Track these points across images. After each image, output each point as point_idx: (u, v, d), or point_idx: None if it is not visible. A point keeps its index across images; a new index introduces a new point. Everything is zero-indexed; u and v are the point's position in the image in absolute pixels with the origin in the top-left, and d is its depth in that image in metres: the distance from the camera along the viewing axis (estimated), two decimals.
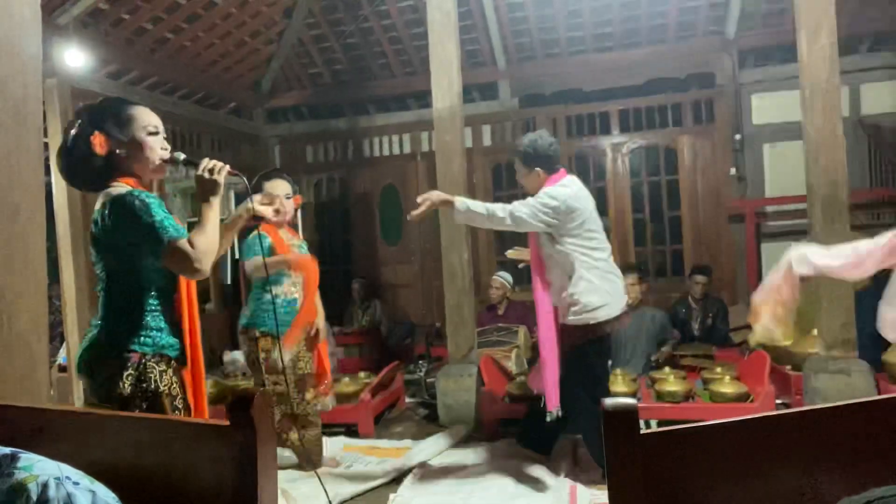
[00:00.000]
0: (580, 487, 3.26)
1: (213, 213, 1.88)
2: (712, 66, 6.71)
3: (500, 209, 3.10)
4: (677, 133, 6.84)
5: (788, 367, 4.48)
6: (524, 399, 4.20)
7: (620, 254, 6.99)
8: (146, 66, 6.07)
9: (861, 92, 6.31)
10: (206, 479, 1.00)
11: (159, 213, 1.79)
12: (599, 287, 3.10)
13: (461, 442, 4.06)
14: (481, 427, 4.24)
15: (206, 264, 1.81)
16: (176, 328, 1.91)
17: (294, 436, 3.39)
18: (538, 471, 3.45)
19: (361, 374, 4.87)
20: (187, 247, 1.78)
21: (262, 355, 3.24)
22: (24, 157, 1.42)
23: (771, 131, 6.51)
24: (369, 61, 7.44)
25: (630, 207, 7.02)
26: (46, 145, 1.82)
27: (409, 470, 3.59)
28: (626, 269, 5.13)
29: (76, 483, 0.82)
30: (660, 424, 3.93)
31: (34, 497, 0.78)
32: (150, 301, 1.86)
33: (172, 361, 1.88)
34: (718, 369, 4.40)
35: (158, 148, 1.94)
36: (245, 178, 2.18)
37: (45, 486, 0.79)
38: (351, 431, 4.37)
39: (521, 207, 3.09)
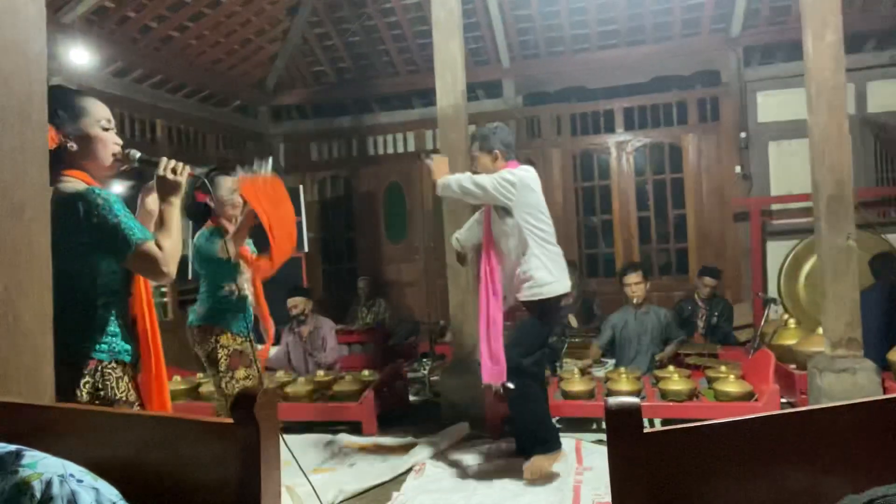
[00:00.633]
0: (583, 486, 3.26)
1: (176, 213, 1.82)
2: (717, 64, 6.69)
3: (464, 178, 3.33)
4: (682, 131, 6.83)
5: (793, 365, 4.47)
6: None
7: (624, 252, 6.98)
8: (151, 63, 6.08)
9: (867, 90, 6.28)
10: (210, 477, 1.00)
11: (122, 212, 1.71)
12: (549, 265, 3.31)
13: (464, 440, 4.06)
14: (484, 425, 4.23)
15: (173, 267, 1.75)
16: (131, 332, 1.85)
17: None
18: None
19: (365, 372, 4.87)
20: (155, 249, 1.72)
21: (223, 353, 3.11)
22: (29, 155, 1.43)
23: (776, 129, 6.48)
24: (373, 59, 7.44)
25: (634, 206, 7.01)
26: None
27: (412, 468, 3.60)
28: (630, 267, 5.12)
29: (80, 480, 0.82)
30: (664, 423, 3.93)
31: (38, 494, 0.78)
32: (105, 305, 1.77)
33: (127, 367, 1.81)
34: (723, 368, 4.39)
35: (111, 144, 1.83)
36: (203, 177, 2.19)
37: (49, 483, 0.79)
38: (354, 429, 4.38)
39: (482, 176, 3.33)
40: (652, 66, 6.79)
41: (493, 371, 3.33)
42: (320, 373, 4.89)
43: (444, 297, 4.74)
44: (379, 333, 6.65)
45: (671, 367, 4.47)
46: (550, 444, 3.37)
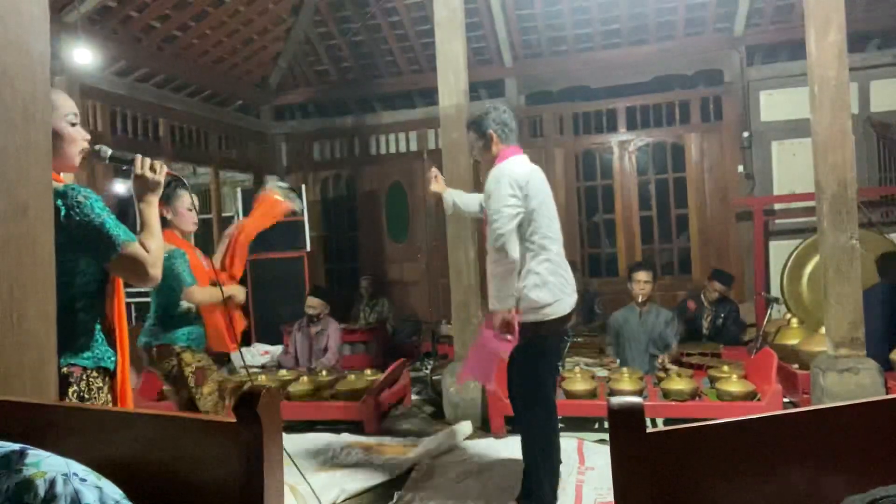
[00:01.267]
0: (585, 486, 3.26)
1: (156, 213, 1.77)
2: (720, 63, 6.68)
3: (496, 237, 2.77)
4: (685, 130, 6.82)
5: (796, 365, 4.46)
6: None
7: (627, 251, 6.98)
8: (154, 63, 6.09)
9: (870, 89, 6.27)
10: (213, 476, 1.00)
11: (105, 212, 1.64)
12: (549, 281, 2.84)
13: (467, 439, 4.06)
14: (487, 424, 4.23)
15: (159, 269, 1.69)
16: (111, 337, 1.78)
17: None
18: None
19: (368, 372, 4.88)
20: (142, 251, 1.65)
21: (188, 370, 2.95)
22: (33, 154, 1.43)
23: (779, 128, 6.48)
24: (376, 59, 7.44)
25: (637, 205, 7.00)
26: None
27: (414, 467, 3.60)
28: (638, 266, 5.10)
29: (83, 479, 0.83)
30: (666, 423, 3.92)
31: (41, 493, 0.78)
32: (85, 308, 1.69)
33: (108, 375, 1.75)
34: (725, 368, 4.39)
35: (80, 140, 1.73)
36: (182, 178, 2.16)
37: (52, 482, 0.79)
38: (357, 428, 4.38)
39: (493, 233, 2.79)
40: (655, 65, 6.79)
41: (470, 375, 3.13)
42: (323, 372, 4.90)
43: (447, 297, 4.74)
44: (381, 333, 6.66)
45: (674, 367, 4.47)
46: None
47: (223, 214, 7.17)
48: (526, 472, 3.03)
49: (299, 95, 7.93)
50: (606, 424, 0.98)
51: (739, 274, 6.60)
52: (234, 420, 0.98)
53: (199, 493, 1.01)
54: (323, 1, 6.92)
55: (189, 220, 3.05)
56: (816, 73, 3.88)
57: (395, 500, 3.22)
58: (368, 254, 7.90)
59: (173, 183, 2.95)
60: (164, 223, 2.88)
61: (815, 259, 5.16)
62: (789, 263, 5.87)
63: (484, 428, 4.23)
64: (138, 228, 1.76)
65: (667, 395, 4.07)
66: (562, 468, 3.46)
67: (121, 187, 6.17)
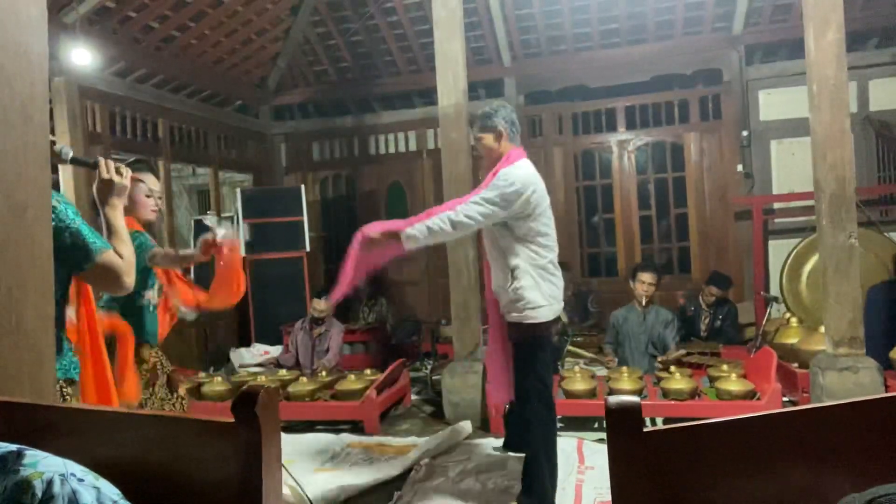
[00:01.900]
0: (585, 485, 3.26)
1: (122, 217, 1.73)
2: (719, 63, 6.68)
3: (441, 222, 2.79)
4: (684, 130, 6.82)
5: (795, 364, 4.47)
6: None
7: (626, 251, 6.98)
8: (153, 63, 6.09)
9: (869, 88, 6.27)
10: (211, 476, 1.00)
11: (79, 218, 1.58)
12: (542, 285, 2.90)
13: (467, 439, 4.06)
14: (487, 424, 4.23)
15: (132, 278, 1.64)
16: (72, 346, 1.73)
17: None
18: None
19: (367, 372, 4.88)
20: (117, 260, 1.60)
21: (146, 367, 2.75)
22: (32, 155, 1.43)
23: (778, 127, 6.48)
24: (375, 59, 7.44)
25: (636, 205, 7.00)
26: (54, 143, 1.68)
27: (414, 467, 3.60)
28: (644, 267, 5.08)
29: (81, 480, 0.82)
30: (666, 422, 3.92)
31: (39, 494, 0.78)
32: (56, 319, 1.61)
33: (75, 384, 1.70)
34: (725, 367, 4.39)
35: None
36: (144, 160, 2.04)
37: (49, 482, 0.79)
38: (357, 428, 4.38)
39: (469, 208, 2.81)
40: (653, 64, 6.79)
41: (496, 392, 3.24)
42: (323, 372, 4.90)
43: (447, 297, 4.74)
44: (381, 333, 6.66)
45: (673, 367, 4.47)
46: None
47: (223, 215, 7.16)
48: (526, 468, 3.05)
49: (298, 95, 7.93)
50: (605, 424, 0.98)
51: (739, 273, 6.61)
52: (232, 420, 0.98)
53: (198, 493, 1.01)
54: (322, 1, 6.91)
55: (147, 207, 2.77)
56: (815, 72, 3.88)
57: (394, 500, 3.22)
58: None
59: (134, 167, 2.68)
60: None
61: (815, 258, 5.17)
62: (788, 262, 5.87)
63: (484, 428, 4.23)
64: (105, 234, 1.70)
65: (666, 394, 4.07)
66: (561, 468, 3.46)
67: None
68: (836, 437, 1.00)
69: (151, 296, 2.80)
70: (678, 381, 4.11)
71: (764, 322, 5.25)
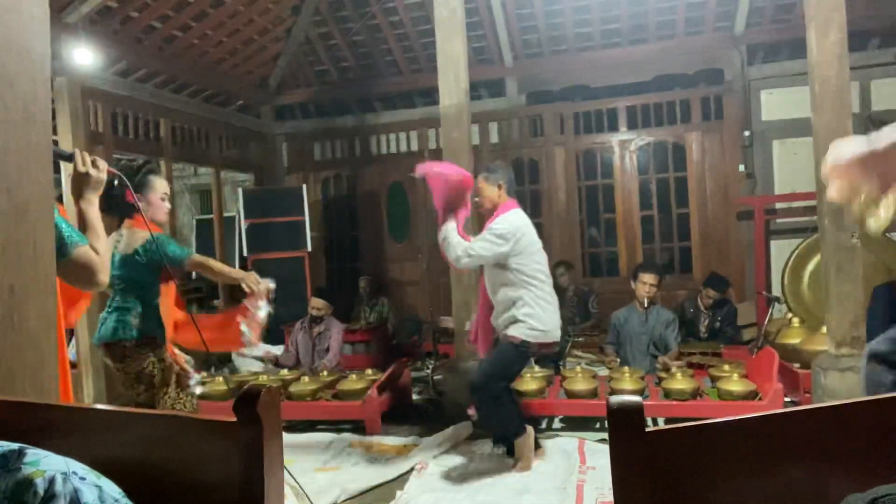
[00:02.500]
0: (587, 485, 3.26)
1: (97, 212, 1.69)
2: (721, 63, 6.67)
3: (459, 248, 3.41)
4: (685, 130, 6.82)
5: (797, 364, 4.46)
6: (530, 395, 4.20)
7: (628, 251, 6.97)
8: (154, 63, 6.09)
9: (871, 88, 6.26)
10: (213, 476, 1.00)
11: (55, 212, 1.55)
12: (541, 314, 3.40)
13: (468, 439, 4.06)
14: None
15: (107, 275, 1.61)
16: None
17: None
18: (544, 467, 3.45)
19: (368, 371, 4.88)
20: (93, 255, 1.58)
21: (159, 367, 2.73)
22: (34, 155, 1.43)
23: (780, 128, 6.47)
24: (376, 59, 7.44)
25: (638, 205, 7.00)
26: (56, 143, 1.63)
27: (415, 467, 3.60)
28: (645, 267, 5.07)
29: (83, 478, 0.82)
30: (667, 422, 3.92)
31: (41, 492, 0.78)
32: None
33: None
34: (726, 367, 4.39)
35: None
36: (122, 175, 1.98)
37: (51, 481, 0.79)
38: (358, 428, 4.38)
39: (474, 247, 3.39)
40: (655, 64, 6.78)
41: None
42: (324, 372, 4.90)
43: (447, 297, 4.74)
44: (382, 333, 6.66)
45: (675, 367, 4.47)
46: (519, 432, 3.52)
47: (224, 214, 7.17)
48: (493, 433, 3.77)
49: (300, 95, 7.93)
50: (607, 424, 0.98)
51: (740, 273, 6.60)
52: (234, 420, 0.98)
53: (199, 492, 1.01)
54: (323, 1, 6.92)
55: (163, 209, 2.80)
56: (817, 72, 3.88)
57: (395, 500, 3.22)
58: (369, 254, 7.90)
59: (144, 170, 2.72)
60: (136, 211, 2.62)
61: (817, 258, 5.15)
62: (790, 262, 5.86)
63: (483, 428, 4.22)
64: (78, 229, 1.66)
65: (668, 394, 4.07)
66: (563, 468, 3.47)
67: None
68: (838, 437, 1.00)
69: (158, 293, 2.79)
70: (680, 381, 4.11)
71: (765, 322, 5.25)
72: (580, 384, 4.22)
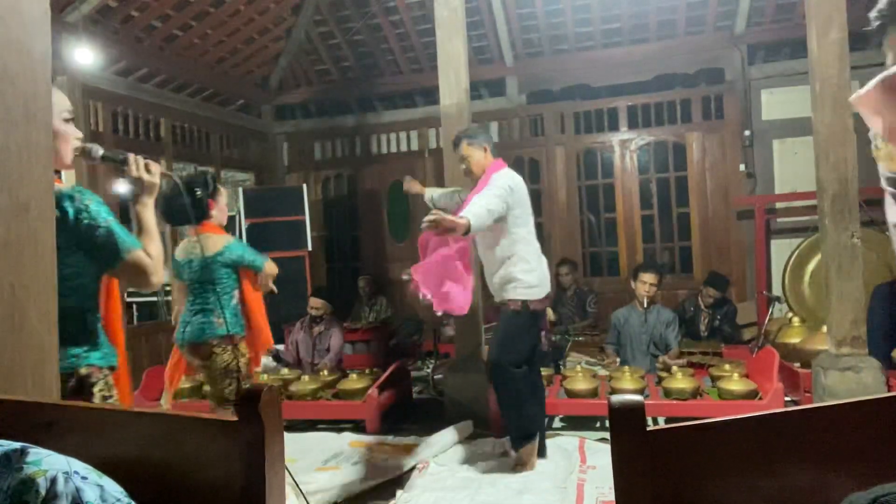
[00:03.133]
0: (587, 485, 3.26)
1: (152, 215, 1.73)
2: (721, 62, 6.67)
3: (485, 212, 3.12)
4: (686, 129, 6.81)
5: (798, 364, 4.46)
6: None
7: (629, 251, 6.97)
8: (155, 63, 6.10)
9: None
10: (214, 475, 1.00)
11: (111, 216, 1.61)
12: (536, 269, 3.39)
13: (468, 438, 4.06)
14: (488, 423, 4.23)
15: (160, 276, 1.68)
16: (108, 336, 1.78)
17: None
18: (545, 467, 3.45)
19: (369, 371, 4.88)
20: (146, 258, 1.64)
21: (243, 360, 3.12)
22: (34, 153, 1.43)
23: (781, 127, 6.46)
24: (377, 58, 7.44)
25: (638, 204, 7.00)
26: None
27: (416, 466, 3.60)
28: (645, 267, 5.07)
29: (84, 477, 0.83)
30: (668, 422, 3.92)
31: (43, 491, 0.78)
32: (90, 309, 1.67)
33: (114, 371, 1.75)
34: (727, 366, 4.39)
35: (72, 138, 1.65)
36: (175, 177, 2.08)
37: (53, 480, 0.79)
38: (358, 427, 4.38)
39: (490, 200, 3.18)
40: (656, 63, 6.78)
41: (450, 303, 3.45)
42: (324, 371, 4.90)
43: None
44: (382, 332, 6.66)
45: (675, 366, 4.47)
46: (531, 437, 3.47)
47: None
48: (506, 422, 3.61)
49: (300, 95, 7.93)
50: (608, 423, 0.98)
51: (741, 273, 6.60)
52: (235, 419, 0.98)
53: (201, 491, 1.01)
54: (323, 0, 6.92)
55: (226, 214, 3.31)
56: (818, 71, 3.88)
57: (395, 500, 3.22)
58: (370, 253, 7.90)
59: (212, 182, 3.15)
60: (209, 218, 3.13)
61: (817, 258, 5.16)
62: (791, 262, 5.86)
63: (484, 428, 4.22)
64: (135, 232, 1.72)
65: (668, 393, 4.07)
66: (563, 467, 3.47)
67: (122, 188, 6.18)
68: (838, 436, 1.00)
69: (237, 294, 3.18)
70: (680, 380, 4.11)
71: (766, 322, 5.25)
72: (580, 384, 4.22)
